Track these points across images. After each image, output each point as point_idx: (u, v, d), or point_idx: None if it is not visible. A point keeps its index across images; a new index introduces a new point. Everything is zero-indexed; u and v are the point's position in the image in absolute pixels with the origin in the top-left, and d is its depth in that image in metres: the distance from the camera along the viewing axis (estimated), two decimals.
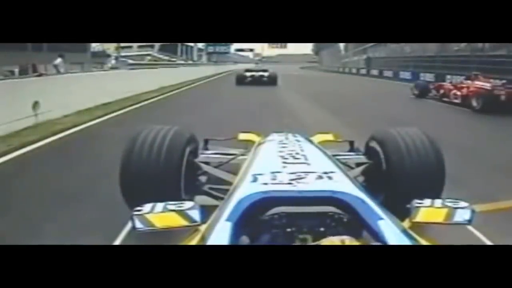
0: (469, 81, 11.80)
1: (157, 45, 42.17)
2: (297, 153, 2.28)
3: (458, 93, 11.82)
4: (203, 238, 1.34)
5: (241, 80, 19.23)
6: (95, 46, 31.23)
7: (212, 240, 1.30)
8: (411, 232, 1.39)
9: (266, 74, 19.63)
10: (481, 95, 10.58)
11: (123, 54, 28.47)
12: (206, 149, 3.66)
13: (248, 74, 19.66)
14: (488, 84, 11.06)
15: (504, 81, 11.55)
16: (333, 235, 1.31)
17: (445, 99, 12.42)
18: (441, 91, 12.84)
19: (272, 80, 19.25)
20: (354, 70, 38.75)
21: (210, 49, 47.10)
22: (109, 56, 28.20)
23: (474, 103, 10.66)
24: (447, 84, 13.11)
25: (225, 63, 50.86)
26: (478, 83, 11.35)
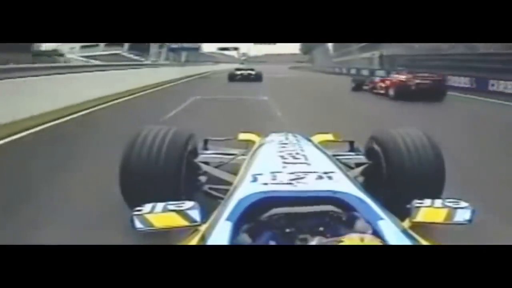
0: (395, 75, 14.81)
1: (126, 44, 33.01)
2: (297, 153, 2.28)
3: (383, 85, 14.56)
4: (203, 238, 1.34)
5: (232, 77, 23.16)
6: (42, 45, 25.21)
7: (212, 240, 1.30)
8: (411, 232, 1.39)
9: (253, 72, 23.64)
10: (396, 86, 13.43)
11: (87, 54, 25.43)
12: (206, 149, 3.66)
13: (238, 72, 23.69)
14: (403, 77, 13.75)
15: (416, 74, 13.75)
16: (333, 235, 1.31)
17: (374, 90, 15.12)
18: (371, 85, 15.73)
19: (258, 77, 23.15)
20: (353, 71, 32.90)
21: (174, 45, 35.56)
22: (61, 55, 25.11)
23: (391, 92, 13.52)
24: (376, 79, 16.25)
25: (200, 63, 42.57)
26: (397, 76, 14.31)
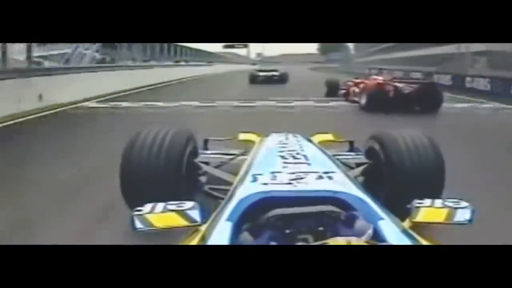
0: (373, 77, 11.50)
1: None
2: (297, 153, 2.28)
3: (356, 90, 10.79)
4: (203, 238, 1.34)
5: (254, 79, 20.53)
6: None
7: (213, 240, 1.30)
8: (411, 232, 1.39)
9: (276, 73, 21.03)
10: (368, 91, 9.77)
11: (54, 52, 18.62)
12: (206, 149, 3.66)
13: (260, 73, 21.10)
14: (381, 79, 10.63)
15: (395, 75, 11.38)
16: (334, 235, 1.31)
17: (349, 98, 11.48)
18: (345, 90, 11.93)
19: (282, 79, 20.35)
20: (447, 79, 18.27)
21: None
22: None
23: (362, 100, 9.87)
24: (350, 82, 11.97)
25: (167, 64, 26.92)
26: (374, 78, 11.02)
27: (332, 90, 12.89)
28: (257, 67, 25.45)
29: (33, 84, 9.28)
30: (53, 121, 8.29)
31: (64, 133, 6.88)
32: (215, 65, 41.20)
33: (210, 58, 47.65)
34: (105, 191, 3.32)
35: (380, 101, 9.20)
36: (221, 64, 45.22)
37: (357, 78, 11.94)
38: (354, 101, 10.73)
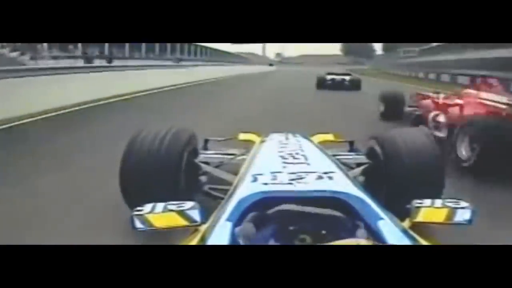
0: (471, 92, 5.69)
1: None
2: (297, 153, 2.28)
3: (441, 119, 5.60)
4: (203, 238, 1.34)
5: (321, 82, 18.39)
6: None
7: (212, 240, 1.30)
8: (411, 232, 1.39)
9: (347, 78, 18.66)
10: (475, 126, 4.28)
11: None
12: (206, 149, 3.66)
13: (329, 77, 18.76)
14: (496, 99, 5.08)
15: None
16: (333, 234, 1.31)
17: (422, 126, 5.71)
18: (417, 111, 6.83)
19: (355, 85, 18.20)
20: None
21: None
22: None
23: (461, 146, 4.36)
24: (422, 95, 7.24)
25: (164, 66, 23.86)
26: (476, 95, 5.41)
27: (392, 108, 7.88)
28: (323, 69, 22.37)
29: None
30: None
31: None
32: (205, 67, 29.86)
33: (219, 57, 41.90)
34: None
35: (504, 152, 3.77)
36: (221, 66, 34.77)
37: (437, 92, 6.85)
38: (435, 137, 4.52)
